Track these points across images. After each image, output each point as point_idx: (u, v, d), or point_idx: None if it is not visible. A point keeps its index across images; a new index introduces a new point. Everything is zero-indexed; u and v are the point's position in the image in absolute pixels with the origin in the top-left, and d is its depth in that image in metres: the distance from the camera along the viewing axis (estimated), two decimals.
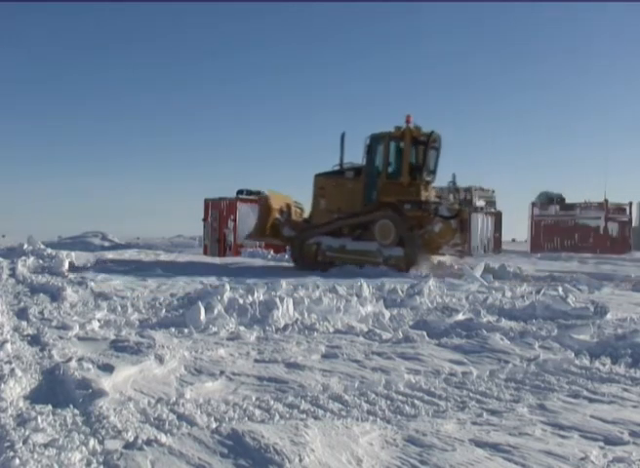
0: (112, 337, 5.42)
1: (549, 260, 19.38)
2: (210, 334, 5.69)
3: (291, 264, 16.00)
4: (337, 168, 15.39)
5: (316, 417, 3.27)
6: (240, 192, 22.19)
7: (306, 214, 16.62)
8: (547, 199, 29.30)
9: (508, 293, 9.14)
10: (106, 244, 30.68)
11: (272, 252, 19.84)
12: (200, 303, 6.38)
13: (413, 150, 14.53)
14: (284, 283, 8.83)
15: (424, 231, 13.93)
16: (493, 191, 26.20)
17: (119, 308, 7.27)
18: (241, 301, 6.78)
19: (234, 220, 22.04)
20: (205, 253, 22.86)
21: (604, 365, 4.57)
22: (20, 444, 2.64)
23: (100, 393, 3.48)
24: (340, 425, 2.99)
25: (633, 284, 11.63)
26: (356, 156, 15.31)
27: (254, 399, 3.59)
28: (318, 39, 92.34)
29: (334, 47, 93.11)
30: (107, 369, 4.03)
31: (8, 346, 4.68)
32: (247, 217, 20.35)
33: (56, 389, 3.74)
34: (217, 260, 18.49)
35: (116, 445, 2.73)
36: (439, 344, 5.34)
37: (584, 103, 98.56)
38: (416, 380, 4.08)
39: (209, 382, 3.93)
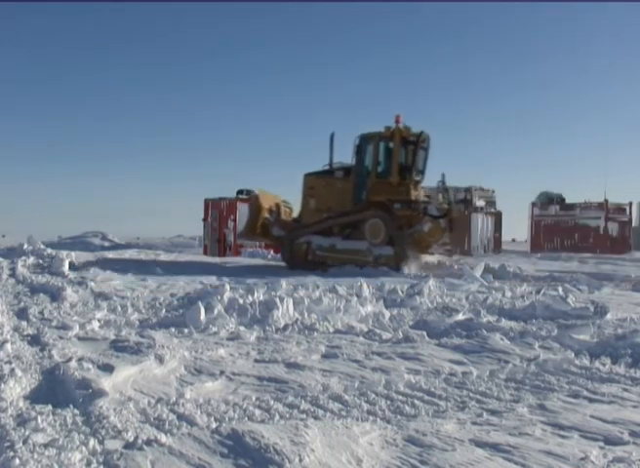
0: (112, 337, 5.42)
1: (549, 260, 19.37)
2: (210, 334, 5.69)
3: None
4: (326, 167, 15.52)
5: (316, 417, 3.27)
6: (240, 192, 22.14)
7: (295, 214, 16.75)
8: (547, 199, 29.27)
9: (508, 293, 9.14)
10: (106, 244, 30.65)
11: (272, 252, 19.84)
12: (200, 303, 6.38)
13: (402, 150, 14.66)
14: (284, 283, 8.84)
15: (414, 230, 14.09)
16: (493, 191, 26.22)
17: (119, 308, 7.27)
18: (241, 301, 6.78)
19: (234, 220, 22.04)
20: (205, 253, 22.86)
21: (604, 365, 4.57)
22: (20, 444, 2.64)
23: (100, 393, 3.48)
24: (340, 425, 2.99)
25: (633, 284, 11.62)
26: (348, 156, 15.42)
27: (254, 399, 3.59)
28: (318, 39, 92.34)
29: (334, 47, 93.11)
30: (107, 369, 4.03)
31: (8, 346, 4.68)
32: (247, 218, 20.37)
33: (56, 389, 3.74)
34: (217, 260, 18.49)
35: (116, 445, 2.73)
36: (439, 344, 5.34)
37: (584, 103, 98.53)
38: (416, 380, 4.08)
39: (209, 382, 3.93)
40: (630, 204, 28.74)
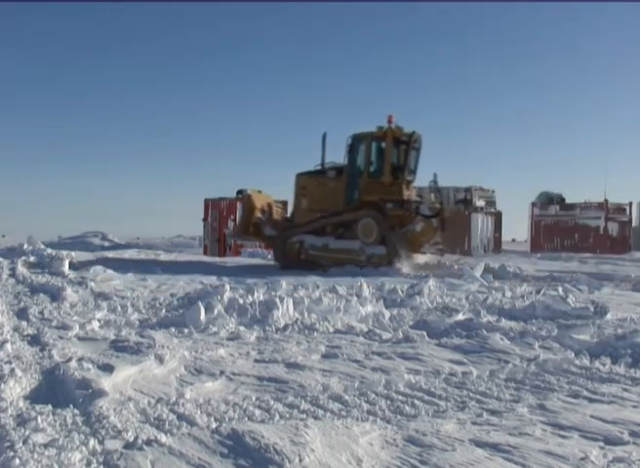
0: (112, 337, 5.42)
1: (549, 260, 19.35)
2: (210, 334, 5.69)
3: None
4: (318, 167, 15.57)
5: (316, 417, 3.27)
6: (240, 192, 22.16)
7: (287, 214, 16.78)
8: (547, 199, 29.26)
9: (508, 293, 9.14)
10: (106, 244, 30.69)
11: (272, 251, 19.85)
12: (200, 303, 6.38)
13: (394, 150, 14.74)
14: (284, 283, 8.84)
15: (406, 230, 14.22)
16: (493, 191, 26.22)
17: (119, 308, 7.27)
18: (241, 301, 6.78)
19: (234, 220, 22.05)
20: (205, 253, 22.88)
21: (604, 365, 4.57)
22: (20, 444, 2.64)
23: (100, 393, 3.48)
24: (340, 425, 2.99)
25: (633, 284, 11.61)
26: (340, 156, 15.45)
27: (254, 399, 3.59)
28: (318, 39, 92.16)
29: (334, 47, 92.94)
30: (107, 369, 4.03)
31: (8, 346, 4.68)
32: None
33: (56, 389, 3.74)
34: (217, 260, 18.50)
35: (116, 445, 2.73)
36: (439, 344, 5.34)
37: (584, 103, 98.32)
38: (416, 380, 4.08)
39: (209, 382, 3.93)
40: (630, 204, 28.72)
